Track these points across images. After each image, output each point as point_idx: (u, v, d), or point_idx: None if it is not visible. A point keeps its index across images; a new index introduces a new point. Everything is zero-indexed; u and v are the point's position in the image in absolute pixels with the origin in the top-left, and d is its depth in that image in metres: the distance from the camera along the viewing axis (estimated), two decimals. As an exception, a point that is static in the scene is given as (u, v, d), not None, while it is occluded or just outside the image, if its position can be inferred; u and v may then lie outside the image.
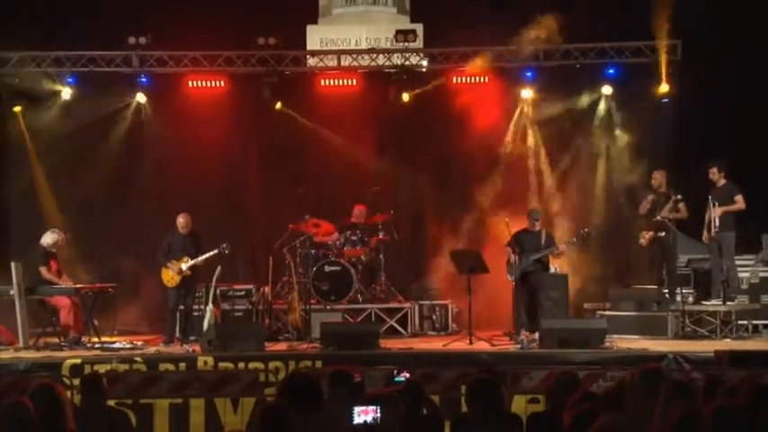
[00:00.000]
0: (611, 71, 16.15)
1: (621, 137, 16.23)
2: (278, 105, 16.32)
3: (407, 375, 8.46)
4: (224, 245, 13.84)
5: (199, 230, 14.33)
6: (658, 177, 14.63)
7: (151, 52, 16.10)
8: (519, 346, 12.79)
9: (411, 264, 16.13)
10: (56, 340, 13.56)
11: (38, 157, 16.02)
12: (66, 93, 16.17)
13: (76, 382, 10.55)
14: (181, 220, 14.17)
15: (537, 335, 12.82)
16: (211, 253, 13.89)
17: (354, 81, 16.58)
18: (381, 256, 15.56)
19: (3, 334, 13.78)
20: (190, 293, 14.21)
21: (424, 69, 16.41)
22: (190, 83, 16.48)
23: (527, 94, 16.43)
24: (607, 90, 16.29)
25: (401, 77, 16.18)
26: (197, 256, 13.97)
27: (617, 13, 15.36)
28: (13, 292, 13.48)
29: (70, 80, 16.16)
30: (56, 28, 15.63)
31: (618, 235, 15.64)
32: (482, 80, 16.37)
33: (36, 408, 6.43)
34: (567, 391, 6.84)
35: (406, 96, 16.22)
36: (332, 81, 16.61)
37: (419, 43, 16.35)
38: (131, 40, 15.93)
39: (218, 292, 14.21)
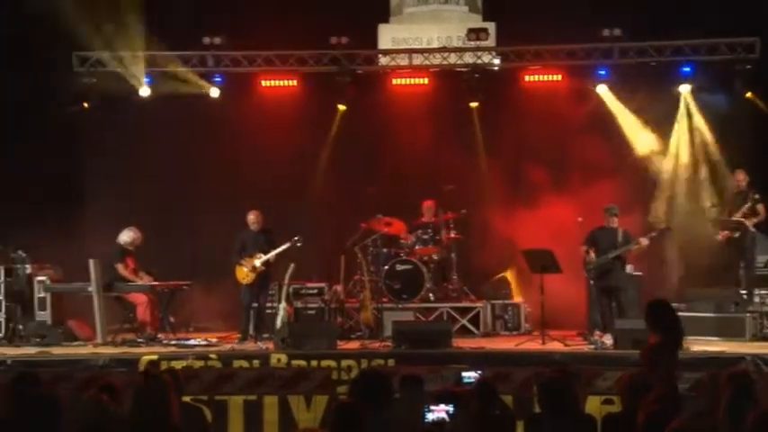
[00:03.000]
0: (688, 69, 15.92)
1: (699, 135, 16.01)
2: (341, 107, 16.35)
3: (478, 375, 8.45)
4: (296, 238, 13.95)
5: (271, 227, 14.45)
6: (740, 177, 14.41)
7: (225, 52, 16.27)
8: (593, 346, 12.70)
9: (483, 263, 16.07)
10: (132, 336, 13.80)
11: (114, 156, 16.24)
12: (144, 92, 16.39)
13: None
14: (251, 216, 14.32)
15: (611, 335, 12.71)
16: (284, 247, 13.99)
17: (426, 80, 16.56)
18: (453, 254, 15.55)
19: (81, 330, 14.08)
20: (263, 291, 14.34)
21: (496, 68, 16.34)
22: (263, 82, 16.62)
23: (601, 91, 16.26)
24: (684, 88, 16.07)
25: (473, 76, 16.11)
26: (268, 252, 14.07)
27: (694, 9, 15.15)
28: (92, 288, 13.76)
29: (147, 80, 16.37)
30: (135, 29, 15.83)
31: (695, 234, 15.43)
32: (555, 78, 16.26)
33: (140, 398, 6.46)
34: (642, 392, 6.77)
35: (473, 104, 16.17)
36: (403, 80, 16.62)
37: (491, 42, 16.27)
38: (206, 40, 16.13)
39: (290, 290, 14.31)
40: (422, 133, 16.35)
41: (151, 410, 6.41)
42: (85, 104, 16.12)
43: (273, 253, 14.07)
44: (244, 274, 14.14)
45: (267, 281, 14.34)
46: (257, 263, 14.06)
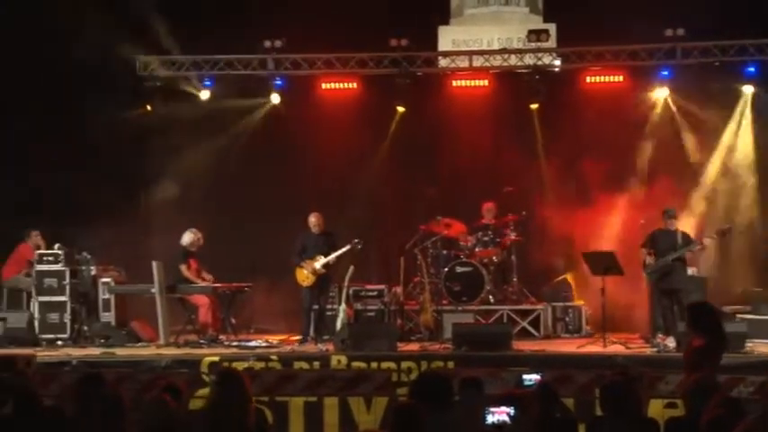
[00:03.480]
0: (752, 69, 15.68)
1: (763, 136, 15.79)
2: (400, 109, 16.35)
3: (539, 378, 8.40)
4: (356, 240, 13.99)
5: (331, 230, 14.49)
6: None
7: (286, 55, 16.33)
8: (655, 349, 12.57)
9: (543, 265, 15.97)
10: (194, 338, 13.94)
11: (176, 158, 16.40)
12: (204, 95, 16.54)
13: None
14: (312, 219, 14.37)
15: (673, 338, 12.57)
16: (344, 249, 14.03)
17: (486, 82, 16.50)
18: (513, 257, 15.50)
19: (144, 331, 14.23)
20: (324, 293, 14.39)
21: (557, 69, 16.24)
22: (323, 85, 16.66)
23: (663, 93, 16.08)
24: (748, 89, 15.83)
25: (533, 77, 16.02)
26: (328, 255, 14.11)
27: (760, 7, 14.93)
28: (155, 290, 13.90)
29: (207, 83, 16.52)
30: (198, 33, 16.01)
31: (759, 235, 15.21)
32: (616, 79, 16.12)
33: (219, 395, 6.49)
34: (706, 396, 6.69)
35: (534, 105, 16.09)
36: (463, 82, 16.57)
37: (552, 43, 16.18)
38: (267, 43, 16.21)
39: (350, 292, 14.38)
40: (481, 135, 16.29)
41: (229, 409, 6.44)
42: (149, 107, 16.27)
43: (333, 255, 14.11)
44: (304, 276, 14.20)
45: (327, 283, 14.39)
46: (317, 265, 14.11)
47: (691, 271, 14.18)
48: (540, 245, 15.92)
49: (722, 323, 8.65)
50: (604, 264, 13.32)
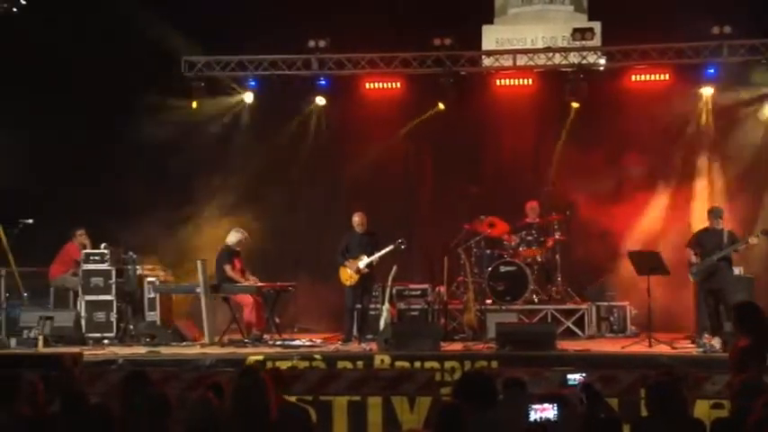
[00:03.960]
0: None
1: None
2: (442, 107, 16.32)
3: (583, 377, 8.36)
4: (399, 240, 13.99)
5: (375, 229, 14.50)
6: None
7: (330, 55, 16.37)
8: (701, 349, 12.45)
9: (588, 264, 15.89)
10: (239, 337, 14.00)
11: (221, 158, 16.51)
12: (249, 97, 16.62)
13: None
14: (356, 218, 14.39)
15: (719, 338, 12.45)
16: (387, 249, 14.03)
17: (530, 81, 16.43)
18: (557, 256, 15.44)
19: (189, 330, 14.32)
20: (367, 292, 14.40)
21: (601, 68, 16.14)
22: (367, 84, 16.68)
23: (708, 91, 15.92)
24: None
25: (578, 76, 15.93)
26: (372, 254, 14.13)
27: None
28: (200, 289, 13.98)
29: (252, 83, 16.60)
30: (243, 33, 16.10)
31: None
32: (662, 78, 15.98)
33: (237, 394, 6.55)
34: (752, 397, 6.62)
35: (576, 104, 16.00)
36: (507, 81, 16.51)
37: (597, 41, 16.08)
38: (311, 43, 16.26)
39: (394, 291, 14.38)
40: (525, 134, 16.27)
41: (249, 404, 6.49)
42: (194, 107, 16.35)
43: (377, 255, 14.11)
44: (347, 275, 14.22)
45: (371, 282, 14.40)
46: (361, 265, 14.13)
47: (737, 271, 14.03)
48: (584, 244, 15.84)
49: (765, 322, 8.54)
50: (650, 264, 13.21)
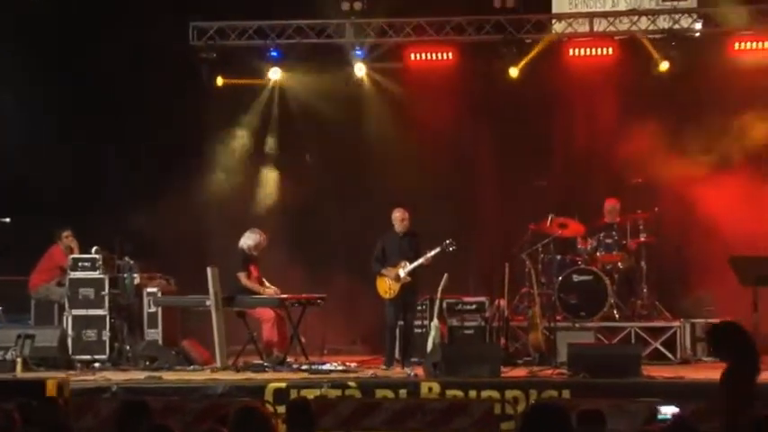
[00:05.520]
0: None
1: None
2: (513, 74, 16.24)
3: (676, 411, 8.28)
4: (448, 241, 13.89)
5: (417, 230, 14.40)
6: None
7: (368, 20, 16.39)
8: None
9: (681, 272, 15.77)
10: (257, 360, 14.00)
11: (237, 145, 16.56)
12: (273, 72, 16.62)
13: (281, 409, 10.82)
14: (396, 214, 14.25)
15: None
16: (433, 252, 13.93)
17: (610, 50, 16.35)
18: (643, 262, 15.38)
19: (197, 351, 14.34)
20: (410, 307, 14.32)
21: (697, 34, 16.02)
22: (412, 55, 16.68)
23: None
24: None
25: (669, 44, 15.81)
26: (414, 259, 14.07)
27: None
28: (210, 302, 14.00)
29: (274, 54, 16.62)
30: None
31: None
32: (772, 45, 15.87)
33: None
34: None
35: (664, 65, 15.86)
36: (583, 50, 16.44)
37: (692, 2, 15.97)
38: (345, 5, 16.26)
39: (444, 305, 14.32)
40: (604, 115, 16.17)
41: None
42: (205, 83, 16.40)
43: (421, 260, 14.00)
44: (386, 286, 14.14)
45: (414, 294, 14.32)
46: (402, 272, 14.04)
47: None
48: (676, 248, 15.72)
49: (752, 342, 8.49)
50: (758, 272, 13.11)
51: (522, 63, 16.10)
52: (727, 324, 9.01)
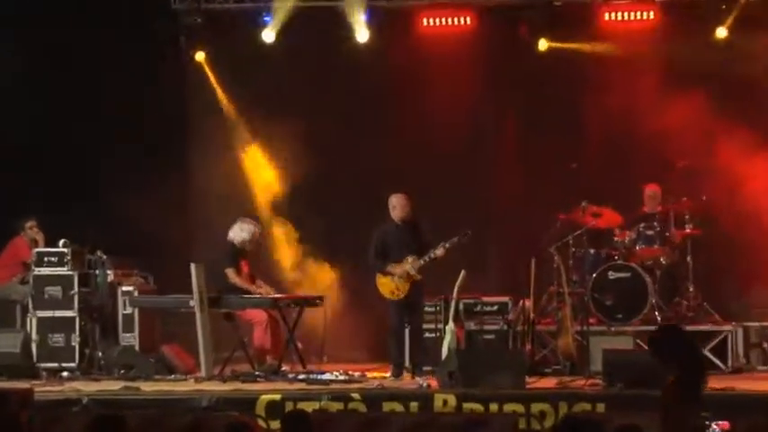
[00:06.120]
0: None
1: None
2: (542, 45, 16.24)
3: (726, 426, 8.30)
4: (464, 232, 13.87)
5: (422, 219, 14.37)
6: None
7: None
8: None
9: (732, 269, 15.77)
10: (248, 368, 14.04)
11: (227, 121, 16.57)
12: (267, 35, 16.62)
13: (275, 424, 10.87)
14: (394, 200, 14.12)
15: None
16: (447, 243, 13.88)
17: (651, 14, 16.36)
18: (689, 257, 15.40)
19: (180, 358, 14.37)
20: (417, 307, 14.31)
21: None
22: (425, 20, 16.71)
23: None
24: None
25: (719, 6, 15.82)
26: (421, 253, 14.04)
27: None
28: (194, 302, 14.00)
29: (267, 18, 16.62)
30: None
31: None
32: None
33: None
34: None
35: (721, 31, 15.86)
36: (620, 14, 16.45)
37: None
38: (347, -39, 16.32)
39: (461, 306, 14.32)
40: (645, 88, 16.13)
41: None
42: (189, 53, 16.43)
43: (437, 251, 13.94)
44: (393, 286, 14.06)
45: (422, 293, 14.30)
46: (411, 269, 14.00)
47: None
48: (728, 241, 15.72)
49: (697, 350, 8.54)
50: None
51: (551, 30, 16.09)
52: (669, 329, 9.02)
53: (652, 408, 11.21)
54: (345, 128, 16.65)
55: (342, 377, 13.63)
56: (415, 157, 16.29)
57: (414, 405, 11.97)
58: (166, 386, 13.36)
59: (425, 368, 13.96)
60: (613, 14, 16.49)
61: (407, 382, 13.60)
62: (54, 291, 14.60)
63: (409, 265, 14.00)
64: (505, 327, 14.81)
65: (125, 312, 14.74)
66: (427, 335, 14.47)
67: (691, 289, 15.35)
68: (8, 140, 15.88)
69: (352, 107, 16.68)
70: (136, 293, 14.77)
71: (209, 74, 16.80)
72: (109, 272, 14.71)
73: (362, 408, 11.95)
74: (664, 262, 15.31)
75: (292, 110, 16.43)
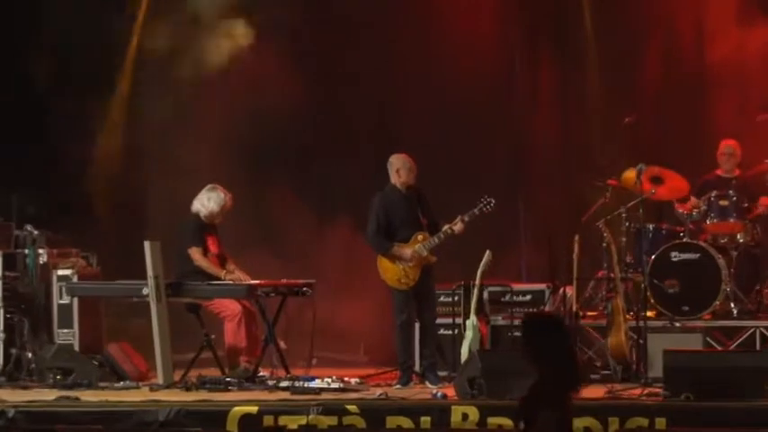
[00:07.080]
0: None
1: None
2: None
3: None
4: (485, 199, 13.72)
5: (420, 187, 14.19)
6: None
7: None
8: None
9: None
10: (217, 373, 14.03)
11: (179, 78, 16.61)
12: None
13: (249, 443, 10.83)
14: (396, 162, 13.99)
15: None
16: (467, 216, 13.74)
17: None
18: (773, 236, 15.34)
19: (130, 361, 14.36)
20: (429, 297, 14.22)
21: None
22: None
23: None
24: None
25: None
26: (432, 229, 13.92)
27: None
28: (148, 290, 13.94)
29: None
30: None
31: None
32: None
33: None
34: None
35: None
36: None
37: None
38: None
39: (485, 295, 14.33)
40: (717, 20, 16.15)
41: None
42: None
43: (451, 228, 13.78)
44: (398, 272, 13.92)
45: (432, 279, 14.20)
46: (422, 249, 13.90)
47: None
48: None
49: (569, 347, 8.40)
50: None
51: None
52: (540, 317, 8.99)
53: (724, 423, 11.29)
54: (328, 78, 16.91)
55: (335, 385, 13.53)
56: (426, 113, 16.33)
57: (425, 420, 11.89)
58: (113, 396, 13.25)
59: (440, 373, 13.95)
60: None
61: (417, 390, 13.52)
62: (-29, 276, 14.66)
63: (420, 244, 13.88)
64: (542, 321, 14.79)
65: (61, 303, 14.73)
66: (442, 332, 14.48)
67: (776, 274, 15.33)
68: None
69: (334, 49, 16.94)
70: (75, 279, 14.74)
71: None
72: (41, 251, 14.70)
73: (361, 423, 11.88)
74: (741, 240, 15.21)
75: (262, 60, 16.55)
